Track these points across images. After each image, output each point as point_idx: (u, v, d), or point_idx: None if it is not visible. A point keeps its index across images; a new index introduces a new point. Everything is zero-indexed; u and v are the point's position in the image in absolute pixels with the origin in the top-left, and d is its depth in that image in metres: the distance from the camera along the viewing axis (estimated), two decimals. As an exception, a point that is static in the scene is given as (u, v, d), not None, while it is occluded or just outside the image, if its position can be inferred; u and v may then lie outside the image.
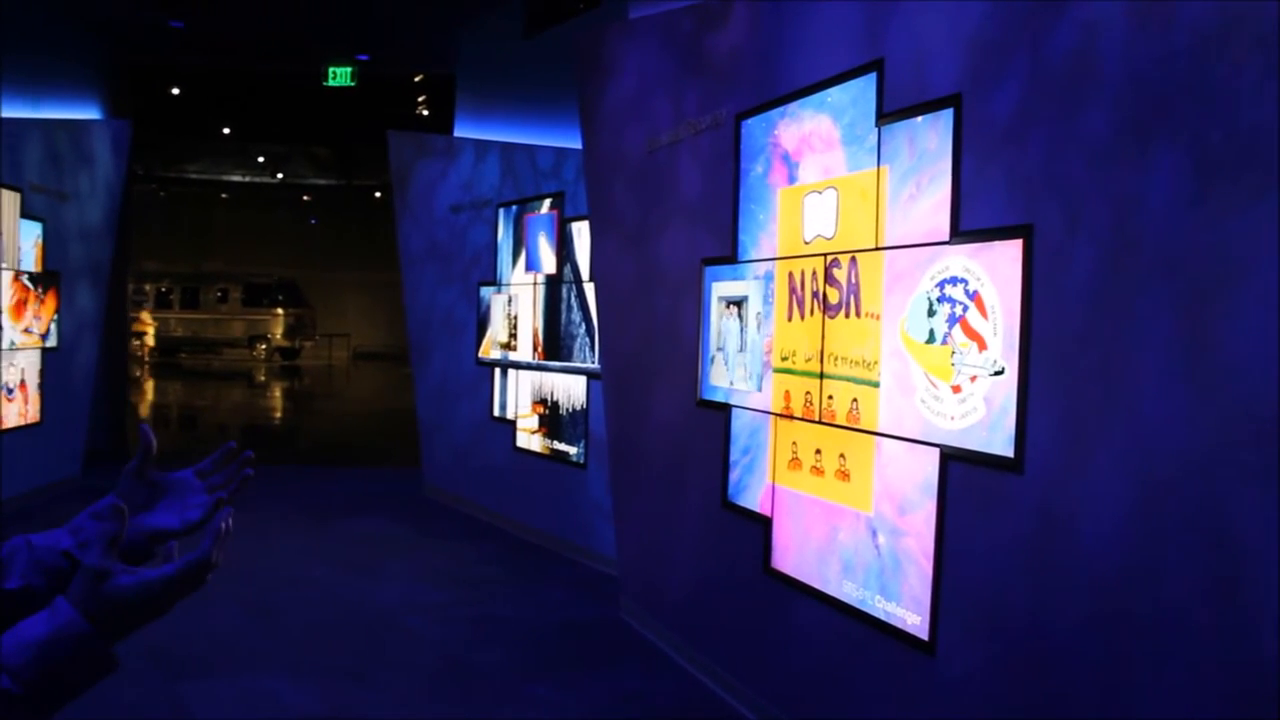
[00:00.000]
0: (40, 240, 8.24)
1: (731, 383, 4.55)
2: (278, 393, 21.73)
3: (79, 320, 9.05)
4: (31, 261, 8.12)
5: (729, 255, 4.55)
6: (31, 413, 8.15)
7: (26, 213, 7.98)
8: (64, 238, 8.69)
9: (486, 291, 8.29)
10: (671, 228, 5.16)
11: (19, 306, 7.94)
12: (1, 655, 1.03)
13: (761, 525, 4.29)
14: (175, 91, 16.15)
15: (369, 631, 5.51)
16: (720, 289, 4.66)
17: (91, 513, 1.27)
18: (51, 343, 8.48)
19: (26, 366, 8.04)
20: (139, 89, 12.00)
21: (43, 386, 8.31)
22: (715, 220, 4.69)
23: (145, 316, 27.25)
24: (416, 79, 13.39)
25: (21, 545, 1.19)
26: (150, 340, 26.96)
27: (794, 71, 4.11)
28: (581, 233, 6.90)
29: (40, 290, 8.25)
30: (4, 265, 7.65)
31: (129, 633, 1.07)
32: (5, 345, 7.68)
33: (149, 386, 21.02)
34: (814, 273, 3.91)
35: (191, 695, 4.54)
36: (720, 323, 4.66)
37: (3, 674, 1.01)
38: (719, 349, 4.67)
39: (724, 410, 4.61)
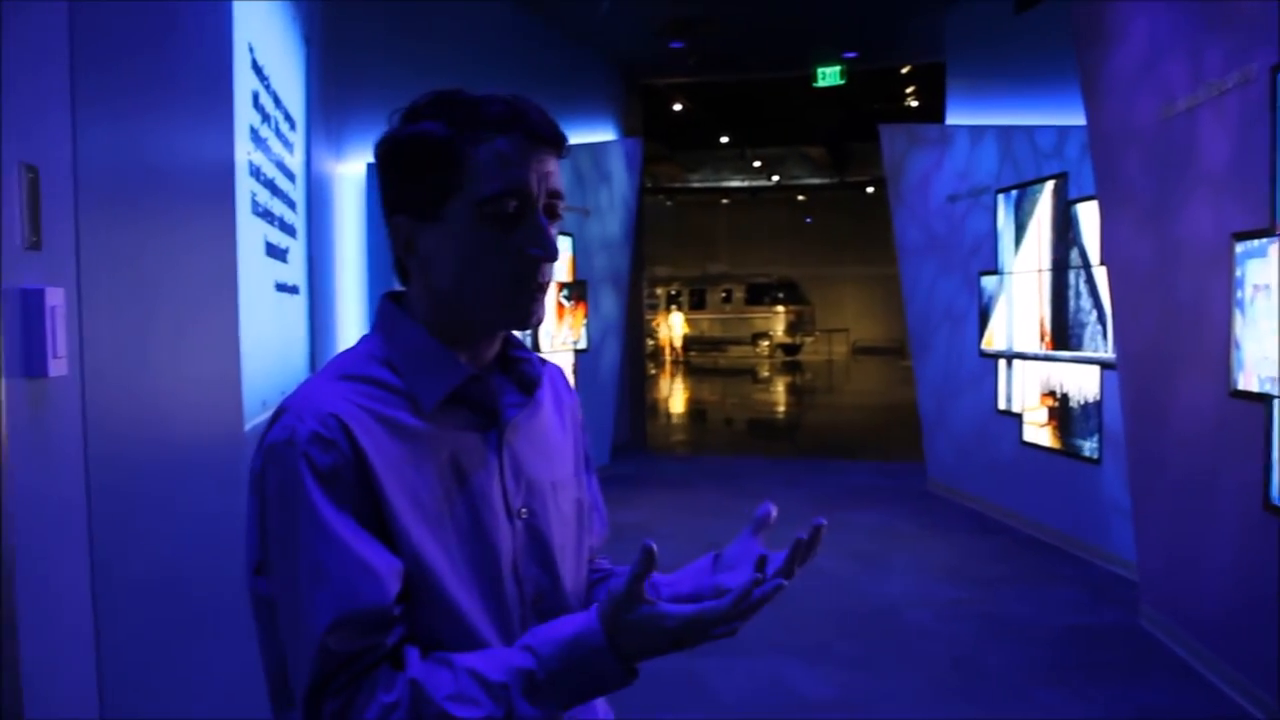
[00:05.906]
0: (571, 254, 9.29)
1: (1275, 371, 4.06)
2: (780, 387, 22.54)
3: (604, 324, 10.03)
4: (564, 273, 9.14)
5: (1267, 227, 4.06)
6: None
7: (560, 229, 9.00)
8: (589, 250, 9.67)
9: (988, 281, 8.04)
10: (1193, 201, 4.70)
11: (556, 317, 8.99)
12: (538, 641, 1.16)
13: (1315, 530, 3.78)
14: (677, 107, 17.31)
15: (876, 623, 5.56)
16: (1255, 265, 4.17)
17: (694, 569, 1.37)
18: (582, 345, 9.47)
19: (561, 366, 9.05)
20: (646, 108, 12.97)
21: (576, 384, 9.28)
22: (1247, 189, 4.20)
23: (679, 318, 29.47)
24: (904, 70, 13.31)
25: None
26: (677, 340, 29.05)
27: (1343, 12, 3.59)
28: (1089, 214, 6.49)
29: (570, 301, 9.25)
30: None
31: (645, 657, 1.15)
32: (546, 349, 8.68)
33: (666, 382, 22.64)
34: (1376, 241, 3.38)
35: (709, 671, 4.83)
36: (1256, 301, 4.18)
37: (534, 656, 1.14)
38: (1251, 328, 4.18)
39: (1264, 401, 4.11)
